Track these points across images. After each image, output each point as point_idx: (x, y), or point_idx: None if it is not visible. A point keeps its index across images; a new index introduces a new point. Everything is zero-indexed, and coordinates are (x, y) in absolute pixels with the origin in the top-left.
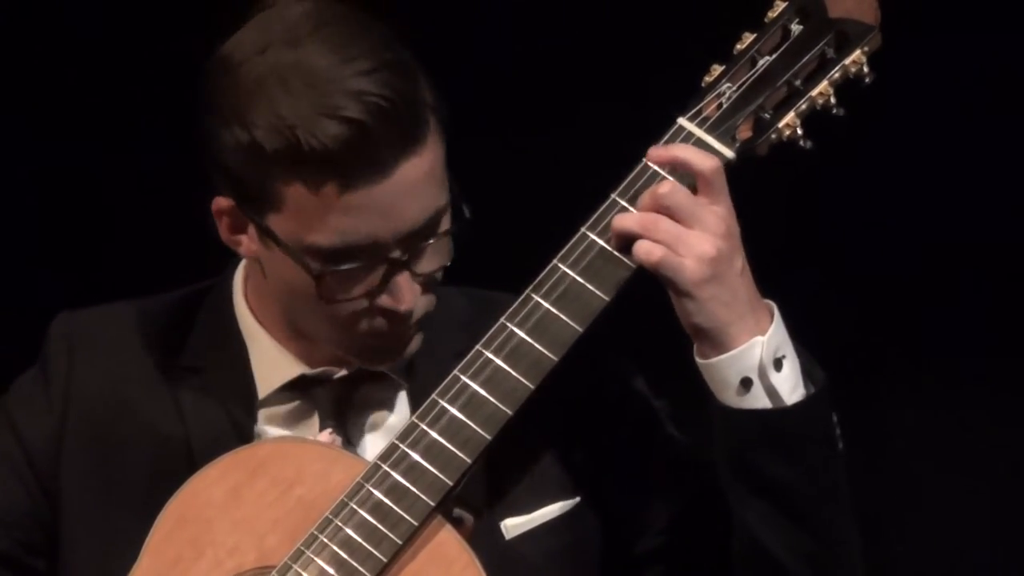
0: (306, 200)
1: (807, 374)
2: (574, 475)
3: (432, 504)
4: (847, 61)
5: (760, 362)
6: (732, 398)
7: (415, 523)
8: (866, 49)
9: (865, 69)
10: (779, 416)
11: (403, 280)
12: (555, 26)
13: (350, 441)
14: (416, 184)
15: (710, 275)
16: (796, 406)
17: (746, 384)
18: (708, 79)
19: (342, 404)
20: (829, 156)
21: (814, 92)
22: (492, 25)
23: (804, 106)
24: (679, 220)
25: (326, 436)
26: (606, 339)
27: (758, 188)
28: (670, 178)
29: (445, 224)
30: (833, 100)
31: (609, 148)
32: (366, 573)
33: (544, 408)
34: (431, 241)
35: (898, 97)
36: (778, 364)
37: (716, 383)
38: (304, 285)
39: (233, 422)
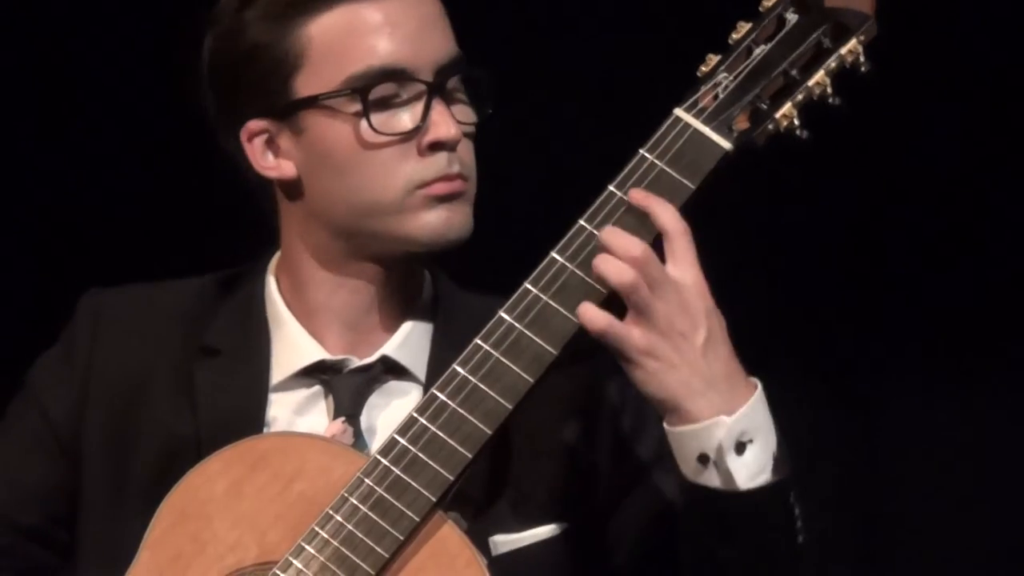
0: (332, 29)
1: (778, 463)
2: (568, 499)
3: (434, 500)
4: (844, 51)
5: (720, 443)
6: (690, 471)
7: (416, 519)
8: (862, 38)
9: (862, 59)
10: (728, 499)
11: (442, 108)
12: (551, 18)
13: (361, 434)
14: (424, 7)
15: (657, 345)
16: (747, 492)
17: (703, 460)
18: (704, 69)
19: (359, 396)
20: (830, 150)
21: (811, 82)
22: (488, 19)
23: (801, 96)
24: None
25: (338, 426)
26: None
27: (755, 182)
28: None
29: (464, 75)
30: (830, 90)
31: (606, 139)
32: (368, 569)
33: (547, 427)
34: (458, 76)
35: (897, 88)
36: (740, 448)
37: (677, 453)
38: (352, 138)
39: (243, 406)
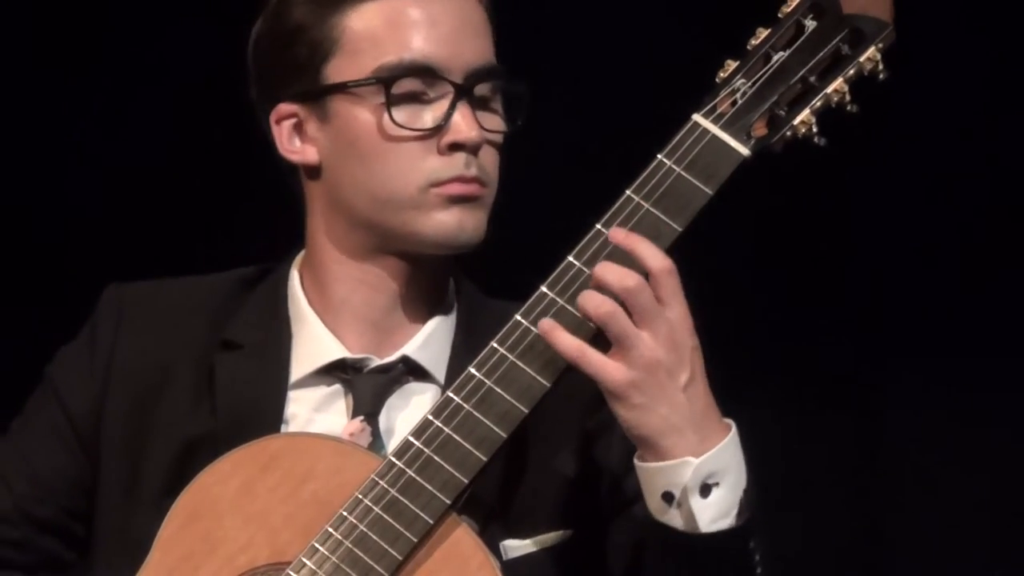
0: (370, 19)
1: (743, 508)
2: (580, 506)
3: (448, 502)
4: (862, 58)
5: (685, 484)
6: (654, 507)
7: (430, 521)
8: (881, 46)
9: (880, 66)
10: (688, 540)
11: (466, 110)
12: (569, 23)
13: (379, 434)
14: (467, 13)
15: (641, 381)
16: (706, 536)
17: (667, 499)
18: (722, 75)
19: (379, 396)
20: (831, 151)
21: (829, 89)
22: (506, 17)
23: (819, 103)
24: (632, 314)
25: (356, 425)
26: None
27: (759, 184)
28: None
29: (498, 83)
30: (848, 97)
31: (625, 144)
32: (381, 571)
33: (560, 432)
34: (489, 84)
35: (903, 94)
36: (705, 490)
37: (643, 488)
38: (375, 129)
39: (262, 402)
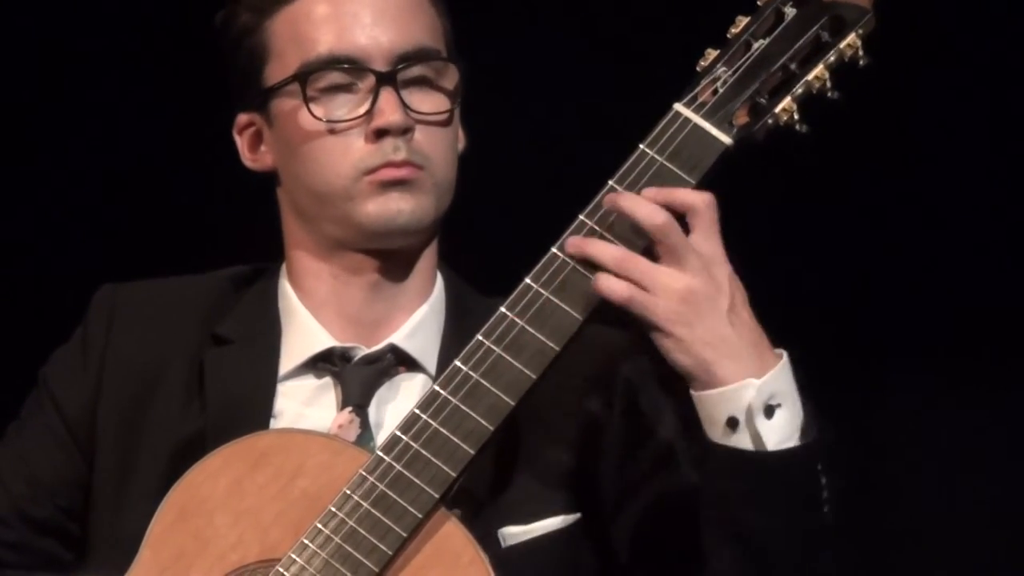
0: (293, 19)
1: (805, 431)
2: (579, 491)
3: (436, 496)
4: (842, 45)
5: (749, 405)
6: (718, 435)
7: (419, 515)
8: (860, 32)
9: (860, 52)
10: (758, 459)
11: (389, 95)
12: (550, 14)
13: (369, 426)
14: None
15: (684, 312)
16: (775, 454)
17: (732, 424)
18: (703, 64)
19: (368, 387)
20: (828, 151)
21: (810, 76)
22: (487, 13)
23: (800, 90)
24: (662, 251)
25: (345, 416)
26: (629, 337)
27: (756, 179)
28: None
29: (432, 64)
30: (829, 84)
31: (605, 134)
32: (371, 566)
33: (557, 417)
34: (413, 67)
35: (894, 90)
36: (769, 411)
37: (705, 418)
38: (303, 126)
39: (251, 396)
